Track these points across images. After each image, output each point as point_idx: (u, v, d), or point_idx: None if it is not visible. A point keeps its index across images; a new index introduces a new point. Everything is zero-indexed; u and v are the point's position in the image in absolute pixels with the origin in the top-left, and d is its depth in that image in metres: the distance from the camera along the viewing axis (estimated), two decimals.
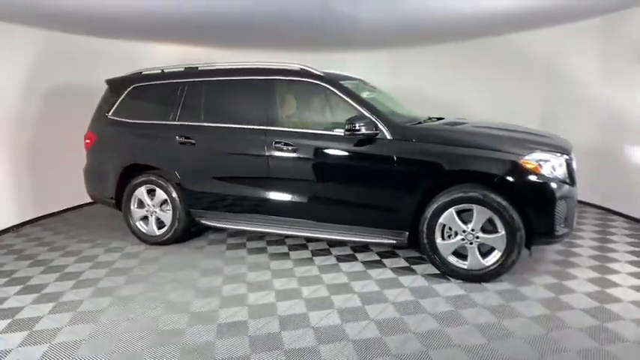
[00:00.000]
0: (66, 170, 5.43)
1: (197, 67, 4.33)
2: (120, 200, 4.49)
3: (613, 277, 3.38)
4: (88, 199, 5.15)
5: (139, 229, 4.42)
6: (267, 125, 3.81)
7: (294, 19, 4.83)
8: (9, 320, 2.97)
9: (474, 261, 3.30)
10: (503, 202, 3.14)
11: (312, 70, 3.83)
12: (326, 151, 3.62)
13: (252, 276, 3.59)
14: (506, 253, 3.20)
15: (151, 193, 4.34)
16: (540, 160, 3.16)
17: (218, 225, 4.16)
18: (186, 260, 3.97)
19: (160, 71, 4.49)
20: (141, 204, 4.41)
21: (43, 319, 2.99)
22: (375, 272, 3.60)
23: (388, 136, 3.44)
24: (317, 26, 5.21)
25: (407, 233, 3.50)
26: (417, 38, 6.45)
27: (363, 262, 3.80)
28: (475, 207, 3.22)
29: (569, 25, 5.48)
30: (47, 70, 5.34)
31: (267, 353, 2.52)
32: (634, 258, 3.75)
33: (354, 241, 3.80)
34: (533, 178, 3.12)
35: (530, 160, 3.15)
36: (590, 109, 5.37)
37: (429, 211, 3.34)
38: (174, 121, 4.18)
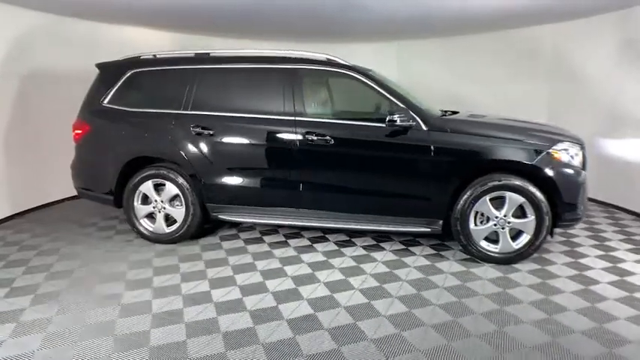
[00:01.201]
0: None
1: (209, 53, 4.09)
2: (119, 196, 4.10)
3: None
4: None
5: (145, 227, 4.08)
6: (295, 116, 3.72)
7: (302, 7, 4.72)
8: None
9: (506, 245, 3.53)
10: (534, 189, 3.40)
11: (340, 61, 3.81)
12: (361, 141, 3.63)
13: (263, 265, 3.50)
14: (535, 236, 3.47)
15: (157, 187, 4.02)
16: (565, 150, 3.46)
17: (238, 219, 3.99)
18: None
19: (165, 56, 4.16)
20: (145, 200, 4.07)
21: None
22: (410, 259, 3.69)
23: (424, 127, 3.54)
24: (326, 14, 5.09)
25: (441, 222, 3.63)
26: (425, 30, 6.36)
27: (394, 251, 3.88)
28: (508, 194, 3.45)
29: (578, 21, 5.43)
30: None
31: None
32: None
33: (387, 232, 3.85)
34: (560, 166, 3.42)
35: (558, 149, 3.44)
36: (597, 104, 5.30)
37: (464, 199, 3.50)
38: (187, 110, 3.91)
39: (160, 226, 4.05)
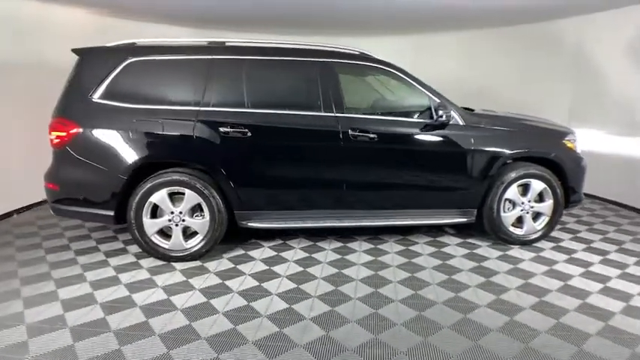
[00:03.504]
0: None
1: (224, 43, 3.64)
2: (121, 211, 3.42)
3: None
4: None
5: (157, 245, 3.46)
6: (335, 112, 3.55)
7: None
8: None
9: (530, 227, 3.90)
10: (551, 176, 3.82)
11: (374, 56, 3.74)
12: (405, 137, 3.64)
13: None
14: (552, 217, 3.90)
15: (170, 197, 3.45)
16: (572, 140, 3.96)
17: (269, 226, 3.65)
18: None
19: (174, 44, 3.58)
20: (154, 213, 3.46)
21: None
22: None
23: (461, 122, 3.70)
24: (343, 4, 4.89)
25: (476, 211, 3.84)
26: (442, 23, 6.16)
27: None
28: (533, 181, 3.81)
29: (602, 14, 5.21)
30: None
31: None
32: None
33: (427, 224, 3.91)
34: (572, 154, 3.90)
35: (569, 139, 3.92)
36: (620, 101, 5.15)
37: (498, 188, 3.76)
38: (209, 106, 3.43)
39: (178, 242, 3.48)
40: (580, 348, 2.39)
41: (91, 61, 3.44)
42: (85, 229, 4.27)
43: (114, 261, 3.54)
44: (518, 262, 3.56)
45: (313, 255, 3.69)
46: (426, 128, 3.66)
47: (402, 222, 3.78)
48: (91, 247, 3.84)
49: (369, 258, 3.63)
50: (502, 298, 2.96)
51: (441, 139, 3.66)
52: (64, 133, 3.31)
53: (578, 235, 4.23)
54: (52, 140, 3.39)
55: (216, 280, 3.22)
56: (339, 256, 3.66)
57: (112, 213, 3.41)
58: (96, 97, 3.37)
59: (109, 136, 3.34)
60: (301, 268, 3.43)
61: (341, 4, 4.92)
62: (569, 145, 3.90)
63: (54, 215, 4.55)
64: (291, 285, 3.15)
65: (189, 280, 3.23)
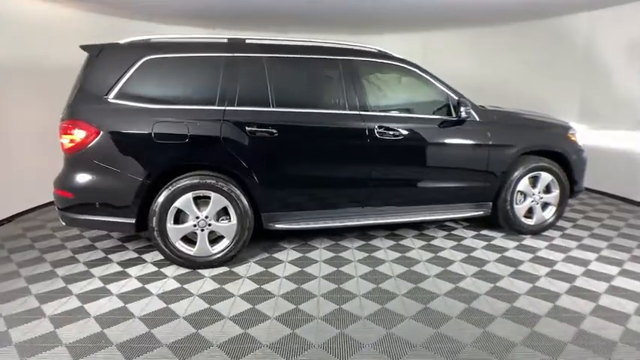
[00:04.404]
0: None
1: (244, 40, 3.53)
2: (142, 218, 3.23)
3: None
4: None
5: (181, 252, 3.30)
6: (360, 110, 3.55)
7: None
8: None
9: (540, 217, 4.09)
10: (558, 168, 4.03)
11: (393, 54, 3.77)
12: (428, 134, 3.69)
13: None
14: (559, 207, 4.12)
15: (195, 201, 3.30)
16: (574, 133, 4.20)
17: (295, 227, 3.58)
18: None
19: (189, 41, 3.42)
20: (177, 219, 3.29)
21: None
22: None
23: (478, 118, 3.82)
24: (354, 2, 4.86)
25: (491, 204, 3.98)
26: (452, 20, 6.16)
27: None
28: (542, 174, 4.00)
29: (612, 9, 5.21)
30: None
31: None
32: None
33: (445, 220, 4.00)
34: (576, 146, 4.14)
35: (572, 133, 4.15)
36: (632, 97, 5.13)
37: (510, 181, 3.91)
38: (234, 106, 3.31)
39: (205, 248, 3.33)
40: (625, 327, 2.54)
41: (105, 58, 3.21)
42: (86, 239, 3.99)
43: (133, 271, 3.33)
44: (537, 251, 3.72)
45: (340, 254, 3.67)
46: (446, 124, 3.74)
47: (423, 217, 3.84)
48: (100, 258, 3.59)
49: (396, 255, 3.65)
50: (537, 285, 3.09)
51: (461, 134, 3.76)
52: (80, 137, 3.06)
53: (577, 223, 4.50)
54: (63, 144, 3.13)
55: (253, 285, 3.12)
56: (366, 254, 3.66)
57: (132, 220, 3.21)
58: (111, 97, 3.16)
59: (131, 139, 3.15)
60: (334, 268, 3.40)
61: (350, 2, 4.93)
62: (572, 138, 4.14)
63: (43, 226, 4.30)
64: (332, 285, 3.11)
65: (223, 286, 3.10)
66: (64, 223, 3.30)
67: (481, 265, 3.43)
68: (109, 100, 3.15)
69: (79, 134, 3.05)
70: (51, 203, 5.21)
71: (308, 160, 3.50)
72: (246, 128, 3.28)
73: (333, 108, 3.54)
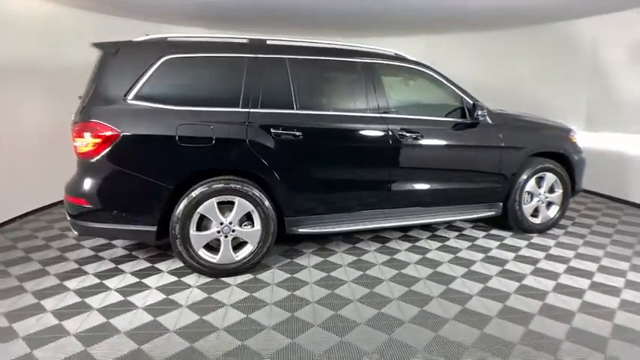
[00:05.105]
0: None
1: (265, 41, 3.43)
2: (164, 226, 3.07)
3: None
4: None
5: (204, 260, 3.16)
6: (381, 112, 3.55)
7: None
8: None
9: (545, 216, 4.25)
10: (561, 168, 4.21)
11: (408, 57, 3.80)
12: (447, 136, 3.75)
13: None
14: (562, 205, 4.29)
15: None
16: (574, 135, 4.39)
17: (318, 231, 3.52)
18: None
19: (209, 41, 3.29)
20: (200, 225, 3.16)
21: None
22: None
23: (489, 121, 3.91)
24: (356, 5, 4.83)
25: (502, 204, 4.09)
26: (455, 24, 6.17)
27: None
28: (547, 174, 4.16)
29: (619, 14, 5.20)
30: None
31: None
32: None
33: (462, 219, 4.05)
34: (577, 148, 4.33)
35: (574, 135, 4.34)
36: (637, 103, 5.15)
37: (519, 182, 4.04)
38: (257, 108, 3.22)
39: (228, 255, 3.21)
40: None
41: (123, 57, 3.02)
42: (87, 250, 3.74)
43: (151, 282, 3.16)
44: (548, 249, 3.86)
45: (362, 257, 3.64)
46: (461, 127, 3.81)
47: (441, 219, 3.88)
48: (110, 268, 3.38)
49: (417, 257, 3.67)
50: (560, 282, 3.20)
51: (477, 137, 3.84)
52: (98, 140, 2.86)
53: (576, 221, 4.71)
54: (77, 148, 2.92)
55: (284, 292, 3.03)
56: (387, 256, 3.66)
57: (154, 228, 3.05)
58: (130, 98, 2.98)
59: (153, 142, 2.98)
60: (360, 272, 3.37)
61: (353, 4, 4.92)
62: (573, 139, 4.33)
63: (33, 235, 4.02)
64: (364, 290, 3.08)
65: (253, 294, 2.99)
66: (76, 233, 3.08)
67: (502, 265, 3.51)
68: (129, 100, 2.97)
69: (96, 137, 2.85)
70: (43, 208, 4.92)
71: (332, 163, 3.45)
72: (272, 131, 3.20)
73: (355, 110, 3.52)
